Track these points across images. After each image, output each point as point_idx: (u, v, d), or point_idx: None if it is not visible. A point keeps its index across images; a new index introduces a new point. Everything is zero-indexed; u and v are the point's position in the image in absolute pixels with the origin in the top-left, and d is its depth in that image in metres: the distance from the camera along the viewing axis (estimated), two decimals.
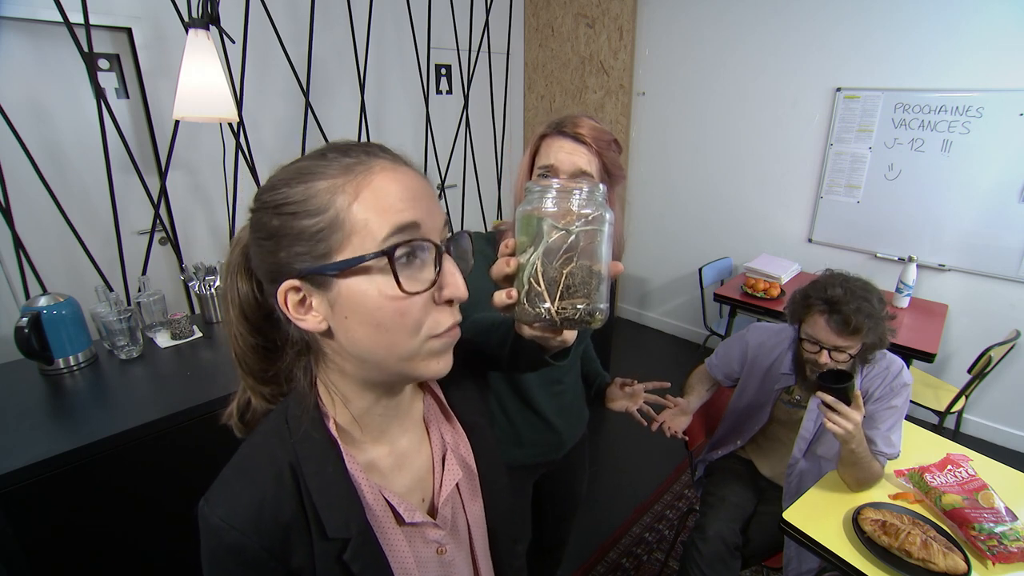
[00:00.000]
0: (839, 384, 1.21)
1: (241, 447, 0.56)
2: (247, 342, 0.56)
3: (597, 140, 0.96)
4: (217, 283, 1.83)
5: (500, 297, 0.53)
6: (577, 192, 0.51)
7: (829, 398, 1.20)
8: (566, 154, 0.95)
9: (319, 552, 0.52)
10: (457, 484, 0.65)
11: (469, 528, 0.66)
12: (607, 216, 0.51)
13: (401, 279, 0.47)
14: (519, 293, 0.52)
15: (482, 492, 0.67)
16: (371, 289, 0.48)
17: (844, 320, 1.29)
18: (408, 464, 0.62)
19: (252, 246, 0.53)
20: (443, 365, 0.53)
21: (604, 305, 0.52)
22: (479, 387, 0.75)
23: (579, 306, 0.50)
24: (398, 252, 0.47)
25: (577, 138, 0.95)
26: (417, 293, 0.48)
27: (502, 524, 0.70)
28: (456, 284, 0.50)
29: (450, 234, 0.54)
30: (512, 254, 0.53)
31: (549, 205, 0.51)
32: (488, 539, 0.69)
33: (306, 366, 0.56)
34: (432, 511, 0.63)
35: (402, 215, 0.48)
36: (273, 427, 0.56)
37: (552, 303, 0.50)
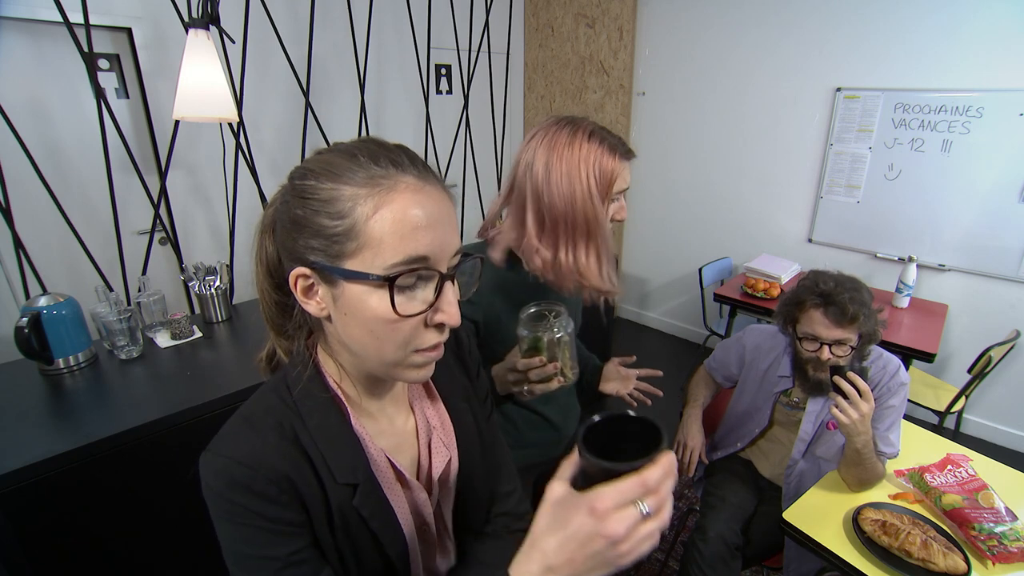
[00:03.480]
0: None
1: (242, 407, 0.58)
2: (271, 297, 0.60)
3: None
4: (217, 283, 1.82)
5: (554, 384, 0.91)
6: (554, 315, 0.92)
7: (845, 384, 1.21)
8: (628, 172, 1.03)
9: (334, 500, 0.55)
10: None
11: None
12: (570, 325, 0.93)
13: (398, 302, 0.49)
14: (558, 376, 0.92)
15: (457, 479, 0.69)
16: (371, 300, 0.49)
17: (841, 310, 1.29)
18: (405, 442, 0.64)
19: (277, 222, 0.55)
20: (423, 374, 0.56)
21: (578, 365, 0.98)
22: (466, 374, 0.75)
23: (577, 368, 0.96)
24: (400, 281, 0.49)
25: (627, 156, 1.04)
26: (411, 316, 0.50)
27: (473, 512, 0.71)
28: (450, 313, 0.52)
29: (459, 259, 0.55)
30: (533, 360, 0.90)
31: (543, 329, 0.91)
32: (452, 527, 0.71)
33: (309, 334, 0.60)
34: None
35: (414, 246, 0.49)
36: (272, 386, 0.59)
37: (570, 372, 0.94)
